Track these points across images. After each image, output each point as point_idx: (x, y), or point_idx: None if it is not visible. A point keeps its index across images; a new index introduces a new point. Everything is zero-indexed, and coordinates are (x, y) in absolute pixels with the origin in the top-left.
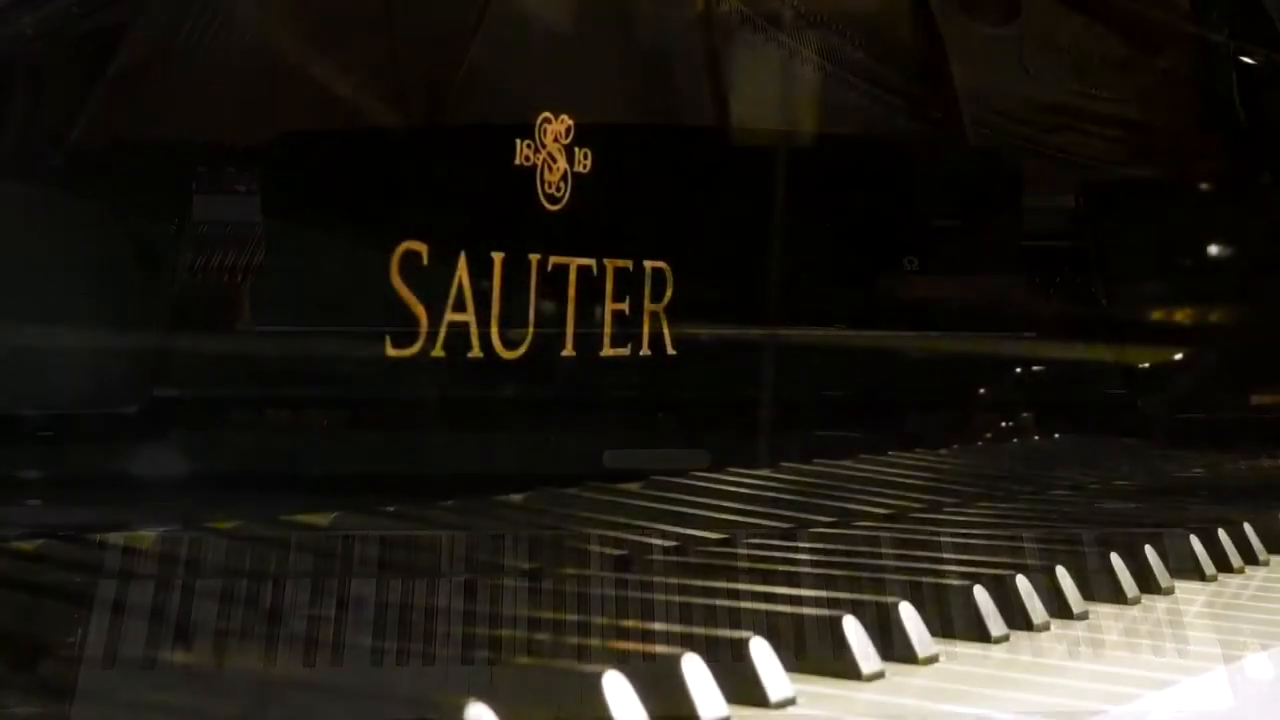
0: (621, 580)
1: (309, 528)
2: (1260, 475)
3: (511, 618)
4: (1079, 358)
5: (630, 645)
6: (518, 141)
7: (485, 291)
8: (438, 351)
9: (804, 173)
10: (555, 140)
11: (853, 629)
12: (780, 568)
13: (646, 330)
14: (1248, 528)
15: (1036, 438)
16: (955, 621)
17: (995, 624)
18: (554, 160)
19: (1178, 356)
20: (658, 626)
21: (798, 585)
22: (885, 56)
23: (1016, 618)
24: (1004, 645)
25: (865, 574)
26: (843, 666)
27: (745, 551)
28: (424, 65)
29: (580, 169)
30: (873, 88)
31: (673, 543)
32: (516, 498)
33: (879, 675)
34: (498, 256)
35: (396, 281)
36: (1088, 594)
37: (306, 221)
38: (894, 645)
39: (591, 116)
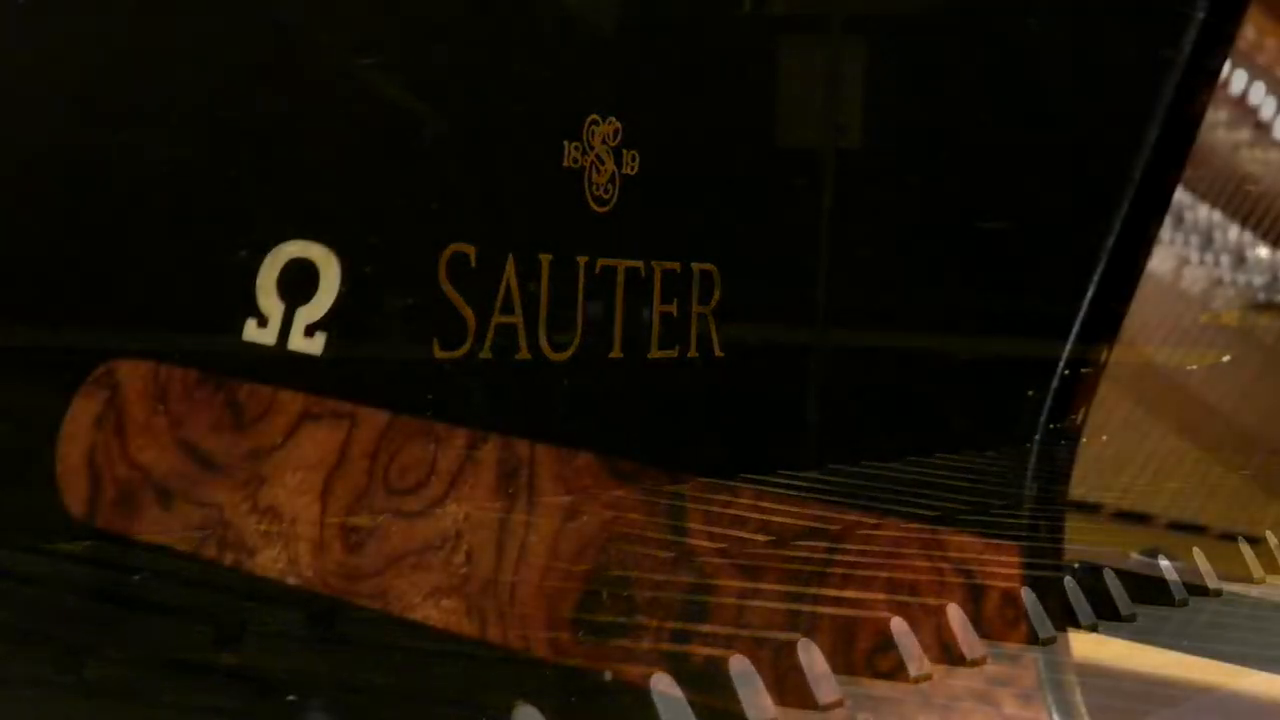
0: (670, 582)
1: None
2: None
3: (560, 619)
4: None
5: (678, 647)
6: (565, 143)
7: (533, 293)
8: (485, 353)
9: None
10: (603, 142)
11: (901, 631)
12: (829, 570)
13: (694, 332)
14: None
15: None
16: (1003, 623)
17: (1043, 626)
18: (602, 162)
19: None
20: (706, 628)
21: (846, 587)
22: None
23: (1064, 619)
24: (1052, 647)
25: (913, 576)
26: (891, 668)
27: (793, 553)
28: (474, 67)
29: (628, 171)
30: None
31: (721, 544)
32: (564, 499)
33: (927, 677)
34: (545, 258)
35: (444, 283)
36: (1135, 596)
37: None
38: (943, 647)
39: (640, 119)
